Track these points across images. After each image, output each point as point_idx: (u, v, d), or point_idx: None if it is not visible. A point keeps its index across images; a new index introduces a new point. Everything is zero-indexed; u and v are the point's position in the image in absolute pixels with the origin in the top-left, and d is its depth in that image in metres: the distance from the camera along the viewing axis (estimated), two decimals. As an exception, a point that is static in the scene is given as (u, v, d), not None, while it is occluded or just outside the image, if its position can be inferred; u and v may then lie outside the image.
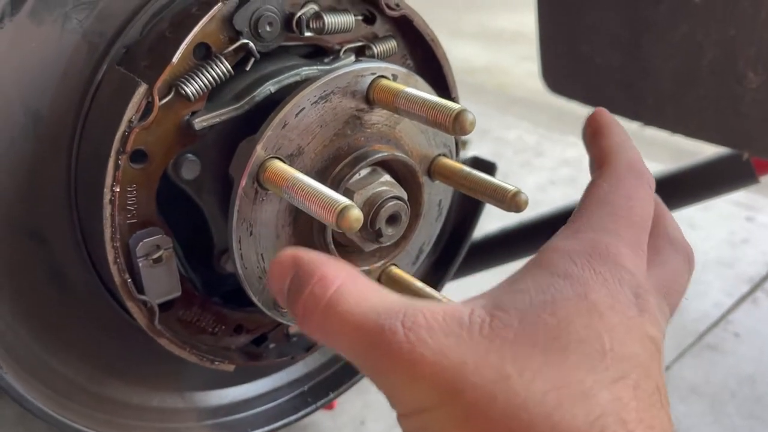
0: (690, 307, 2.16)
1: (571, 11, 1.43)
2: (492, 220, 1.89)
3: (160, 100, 0.63)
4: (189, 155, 0.69)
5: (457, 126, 0.62)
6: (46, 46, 0.63)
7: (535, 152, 3.10)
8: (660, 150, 3.01)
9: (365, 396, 1.82)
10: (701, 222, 2.54)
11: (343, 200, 0.57)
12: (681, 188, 1.62)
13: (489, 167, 1.01)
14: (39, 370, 0.71)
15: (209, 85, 0.65)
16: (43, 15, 0.62)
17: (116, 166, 0.62)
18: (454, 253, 1.05)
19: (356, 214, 0.57)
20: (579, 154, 3.07)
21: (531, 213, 1.81)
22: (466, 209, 1.05)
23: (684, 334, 2.04)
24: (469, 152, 1.20)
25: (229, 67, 0.66)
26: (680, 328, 2.08)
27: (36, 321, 0.70)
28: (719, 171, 1.54)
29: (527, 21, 1.62)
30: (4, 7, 0.60)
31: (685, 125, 1.32)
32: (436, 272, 1.05)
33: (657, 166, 2.93)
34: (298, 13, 0.69)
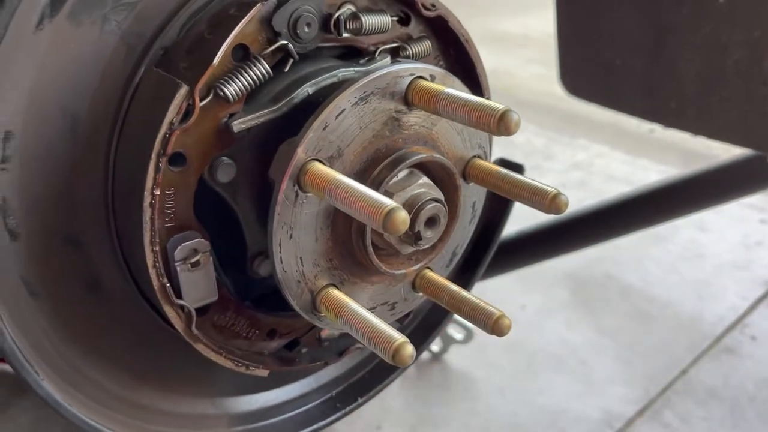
0: (705, 310, 2.15)
1: (590, 15, 1.42)
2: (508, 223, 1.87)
3: (200, 102, 0.62)
4: (225, 158, 0.69)
5: (502, 126, 0.61)
6: (84, 48, 0.62)
7: (544, 155, 3.09)
8: (670, 153, 3.01)
9: (383, 400, 1.82)
10: (713, 225, 2.53)
11: (389, 202, 0.57)
12: (703, 190, 1.62)
13: (517, 168, 1.00)
14: (75, 377, 0.70)
15: (249, 86, 0.64)
16: (82, 17, 0.61)
17: (157, 169, 0.62)
18: (482, 254, 1.04)
19: (403, 217, 0.56)
20: (589, 156, 3.07)
21: (543, 216, 1.81)
22: (494, 210, 1.04)
23: (700, 338, 2.03)
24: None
25: (269, 69, 0.65)
26: (696, 331, 2.07)
27: (72, 328, 0.69)
28: (741, 173, 1.53)
29: (533, 24, 1.62)
30: (44, 9, 0.59)
31: (708, 127, 1.31)
32: (464, 274, 1.04)
33: (668, 169, 2.92)
34: (336, 14, 0.68)
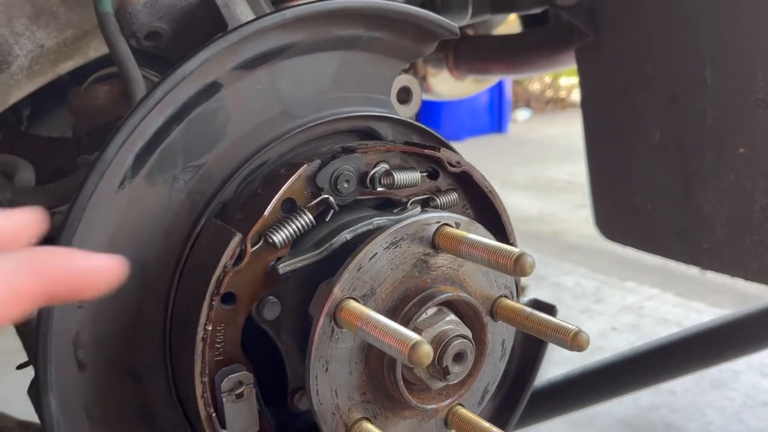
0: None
1: (619, 162, 1.51)
2: (556, 366, 1.87)
3: (251, 247, 0.71)
4: (271, 297, 0.76)
5: (517, 268, 0.67)
6: (156, 203, 0.73)
7: (595, 298, 3.08)
8: (724, 295, 2.96)
9: None
10: (776, 370, 2.43)
11: (415, 336, 0.63)
12: (757, 330, 1.60)
13: (549, 309, 1.04)
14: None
15: (294, 234, 0.73)
16: (156, 177, 0.72)
17: (210, 307, 0.69)
18: (518, 395, 1.05)
19: (427, 349, 0.62)
20: (639, 299, 3.04)
21: (593, 359, 1.80)
22: (529, 351, 1.07)
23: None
24: (527, 297, 1.23)
25: (312, 219, 0.74)
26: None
27: None
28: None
29: (578, 171, 1.72)
30: (126, 172, 0.70)
31: (743, 269, 1.33)
32: (501, 415, 1.05)
33: (722, 312, 2.86)
34: (372, 172, 0.78)
